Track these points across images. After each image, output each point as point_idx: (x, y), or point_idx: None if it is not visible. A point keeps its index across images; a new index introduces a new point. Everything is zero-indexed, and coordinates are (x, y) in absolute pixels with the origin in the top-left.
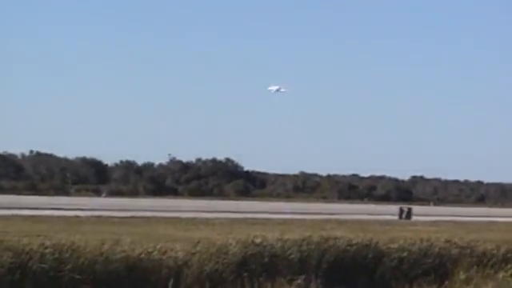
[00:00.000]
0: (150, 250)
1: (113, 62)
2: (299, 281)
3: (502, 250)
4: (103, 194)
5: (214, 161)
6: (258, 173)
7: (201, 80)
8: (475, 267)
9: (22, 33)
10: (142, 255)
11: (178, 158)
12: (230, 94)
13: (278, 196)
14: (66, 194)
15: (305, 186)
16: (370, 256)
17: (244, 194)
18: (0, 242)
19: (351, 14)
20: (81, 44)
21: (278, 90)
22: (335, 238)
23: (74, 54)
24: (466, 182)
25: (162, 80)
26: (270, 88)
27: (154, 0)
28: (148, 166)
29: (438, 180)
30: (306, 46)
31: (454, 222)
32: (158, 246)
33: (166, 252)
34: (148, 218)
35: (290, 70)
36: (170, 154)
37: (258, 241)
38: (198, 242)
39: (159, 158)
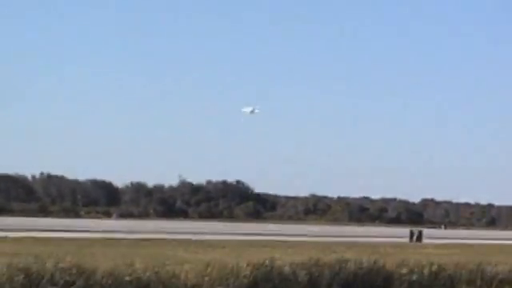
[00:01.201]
0: (160, 273)
1: (123, 84)
2: None
3: None
4: (114, 216)
5: (224, 183)
6: (269, 195)
7: (208, 103)
8: None
9: (33, 54)
10: (153, 277)
11: (188, 179)
12: (239, 115)
13: (288, 218)
14: (77, 215)
15: (316, 209)
16: (381, 279)
17: (254, 216)
18: (11, 263)
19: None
20: (91, 66)
21: (252, 112)
22: (345, 261)
23: (84, 77)
24: (477, 205)
25: (171, 102)
26: (243, 110)
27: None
28: (158, 188)
29: (448, 203)
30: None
31: (465, 245)
32: (168, 269)
33: (176, 274)
34: (158, 240)
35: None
36: (180, 176)
37: (268, 263)
38: (209, 265)
39: (169, 180)
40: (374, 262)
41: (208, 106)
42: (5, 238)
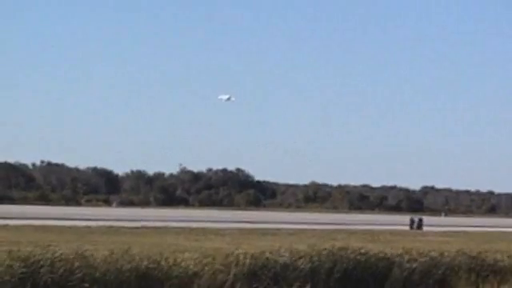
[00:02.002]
0: (160, 261)
1: (124, 73)
2: None
3: None
4: (114, 204)
5: (224, 171)
6: (269, 183)
7: (209, 90)
8: (486, 278)
9: (35, 44)
10: (153, 265)
11: (189, 168)
12: (240, 103)
13: (288, 206)
14: (77, 204)
15: (316, 196)
16: (381, 266)
17: (254, 204)
18: (11, 251)
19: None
20: (93, 55)
21: (228, 99)
22: (346, 249)
23: (85, 65)
24: (477, 193)
25: (172, 90)
26: (220, 97)
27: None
28: (158, 176)
29: (449, 190)
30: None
31: (465, 233)
32: (168, 257)
33: (176, 262)
34: (158, 228)
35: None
36: (180, 164)
37: (268, 251)
38: (210, 254)
39: (170, 168)
40: (375, 250)
41: (208, 93)
42: (5, 226)
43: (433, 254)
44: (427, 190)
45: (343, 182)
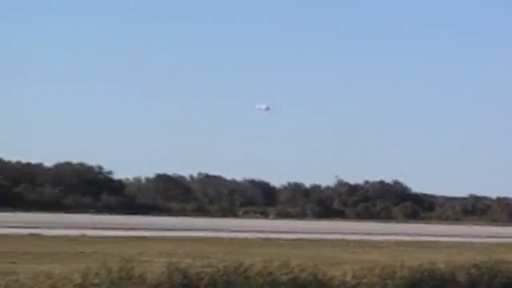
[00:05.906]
0: (317, 273)
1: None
2: None
3: None
4: (271, 216)
5: (381, 183)
6: (427, 195)
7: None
8: None
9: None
10: (310, 278)
11: (346, 180)
12: (405, 117)
13: (446, 219)
14: (234, 215)
15: (474, 209)
16: None
17: (412, 216)
18: (170, 263)
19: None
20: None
21: (267, 109)
22: (506, 262)
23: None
24: None
25: (331, 103)
26: (257, 106)
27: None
28: (315, 188)
29: None
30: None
31: None
32: (324, 269)
33: (333, 275)
34: (315, 240)
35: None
36: (337, 176)
37: (426, 264)
38: (367, 266)
39: (326, 180)
40: None
41: (366, 105)
42: (164, 238)
43: None
44: None
45: (502, 195)
